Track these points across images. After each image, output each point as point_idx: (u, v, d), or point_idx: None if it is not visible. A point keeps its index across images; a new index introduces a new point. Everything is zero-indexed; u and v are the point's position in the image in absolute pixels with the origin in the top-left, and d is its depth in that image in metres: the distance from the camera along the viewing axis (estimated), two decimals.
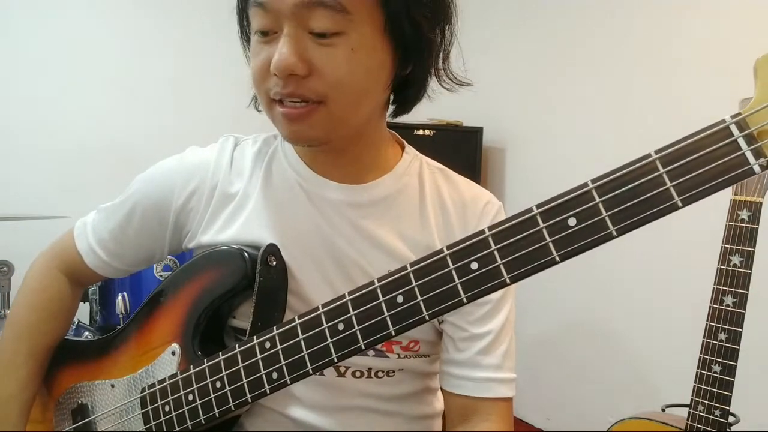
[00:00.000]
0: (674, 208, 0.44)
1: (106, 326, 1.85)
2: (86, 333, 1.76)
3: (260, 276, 0.69)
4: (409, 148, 0.81)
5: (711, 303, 1.16)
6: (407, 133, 2.42)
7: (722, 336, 1.13)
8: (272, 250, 0.70)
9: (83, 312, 1.94)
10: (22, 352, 0.80)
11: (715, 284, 1.15)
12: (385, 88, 0.68)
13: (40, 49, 2.32)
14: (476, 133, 2.59)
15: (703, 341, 1.16)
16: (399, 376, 0.77)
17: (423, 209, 0.75)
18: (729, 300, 1.13)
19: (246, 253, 0.70)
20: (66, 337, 0.85)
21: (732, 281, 1.13)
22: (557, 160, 2.41)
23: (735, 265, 1.13)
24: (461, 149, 2.56)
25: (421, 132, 2.49)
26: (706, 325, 1.16)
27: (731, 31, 1.82)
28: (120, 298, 1.78)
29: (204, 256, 0.74)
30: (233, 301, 0.73)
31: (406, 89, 0.73)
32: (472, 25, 2.74)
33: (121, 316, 1.77)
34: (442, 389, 0.77)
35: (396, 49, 0.65)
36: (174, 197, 0.76)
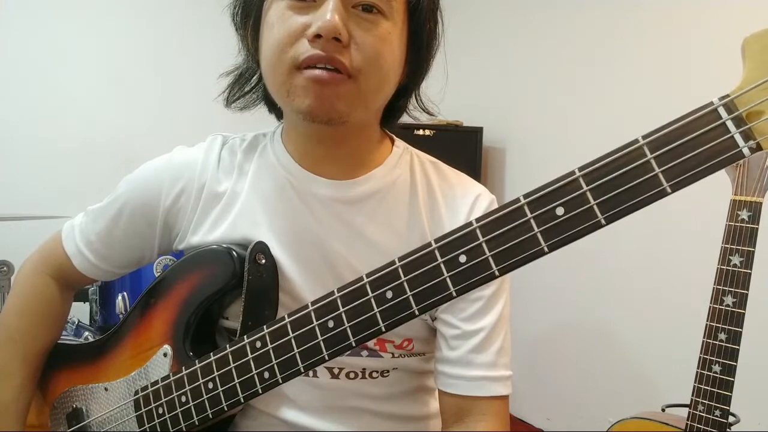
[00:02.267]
0: (663, 194, 0.43)
1: (105, 326, 1.84)
2: (86, 333, 1.76)
3: (249, 274, 0.68)
4: (399, 142, 0.80)
5: (711, 303, 1.15)
6: (407, 133, 2.41)
7: (722, 336, 1.13)
8: (261, 248, 0.69)
9: (83, 312, 1.94)
10: (15, 359, 0.79)
11: (715, 284, 1.14)
12: (395, 85, 0.70)
13: (40, 50, 2.33)
14: (476, 133, 2.59)
15: (703, 341, 1.15)
16: (394, 376, 0.76)
17: (414, 202, 0.74)
18: (729, 300, 1.12)
19: (234, 252, 0.69)
20: (59, 341, 0.85)
21: (732, 281, 1.12)
22: (557, 160, 2.39)
23: (735, 265, 1.12)
24: (461, 149, 2.56)
25: (421, 132, 2.48)
26: (706, 325, 1.15)
27: (734, 32, 1.80)
28: (120, 298, 1.78)
29: (192, 256, 0.73)
30: (223, 300, 0.72)
31: (396, 100, 0.74)
32: (473, 26, 2.74)
33: (121, 315, 1.77)
34: (437, 388, 0.76)
35: (407, 54, 0.69)
36: (162, 197, 0.75)
